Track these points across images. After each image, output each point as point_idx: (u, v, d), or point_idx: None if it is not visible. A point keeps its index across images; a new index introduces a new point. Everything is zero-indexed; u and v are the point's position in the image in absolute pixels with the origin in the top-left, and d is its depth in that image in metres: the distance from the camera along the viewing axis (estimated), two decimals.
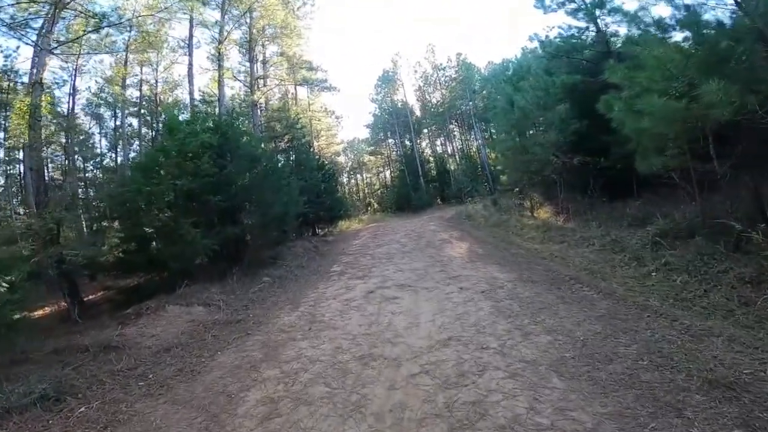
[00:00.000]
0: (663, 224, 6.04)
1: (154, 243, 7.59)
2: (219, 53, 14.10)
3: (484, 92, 32.59)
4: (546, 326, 3.91)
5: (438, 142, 40.39)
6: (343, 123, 51.98)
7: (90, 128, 23.33)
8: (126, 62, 18.91)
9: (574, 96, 10.06)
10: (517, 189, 14.52)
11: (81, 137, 22.74)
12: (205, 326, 5.62)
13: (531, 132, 11.08)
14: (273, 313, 5.94)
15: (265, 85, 17.26)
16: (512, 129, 11.61)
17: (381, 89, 36.04)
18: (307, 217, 13.85)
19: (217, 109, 13.12)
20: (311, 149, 17.79)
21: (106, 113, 22.91)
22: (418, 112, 36.63)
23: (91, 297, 9.26)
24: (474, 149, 37.31)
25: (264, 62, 18.44)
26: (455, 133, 38.46)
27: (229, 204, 7.93)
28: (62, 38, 13.71)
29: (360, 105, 71.02)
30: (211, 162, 8.20)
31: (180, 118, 9.18)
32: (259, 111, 17.56)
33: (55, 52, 11.32)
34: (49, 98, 12.16)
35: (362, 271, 8.14)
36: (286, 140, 16.04)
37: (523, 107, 10.83)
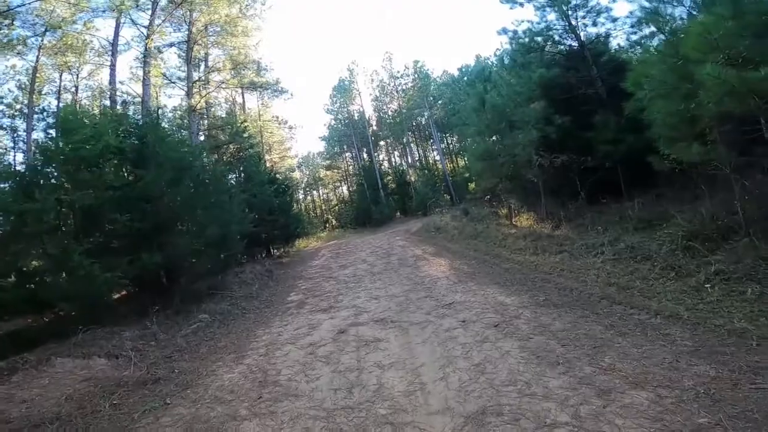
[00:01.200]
0: (689, 225, 5.10)
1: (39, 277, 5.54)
2: (146, 49, 12.08)
3: (440, 102, 32.41)
4: (626, 375, 2.62)
5: (395, 154, 39.74)
6: (297, 136, 50.04)
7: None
8: (36, 66, 16.16)
9: (552, 92, 9.34)
10: (489, 196, 13.67)
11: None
12: (105, 389, 3.80)
13: (507, 132, 10.17)
14: (207, 368, 4.22)
15: (205, 88, 15.25)
16: (485, 130, 10.67)
17: (337, 99, 34.80)
18: (258, 237, 12.01)
19: (140, 112, 11.01)
20: (262, 161, 15.94)
21: (23, 125, 19.70)
22: (374, 123, 35.73)
23: None
24: (433, 159, 37.00)
25: (206, 62, 16.47)
26: (413, 144, 37.94)
27: (150, 224, 6.07)
28: None
29: (315, 117, 69.08)
30: (124, 171, 6.36)
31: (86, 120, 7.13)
32: (199, 118, 15.51)
33: None
34: None
35: (327, 300, 6.56)
36: (231, 150, 14.12)
37: (498, 105, 9.95)
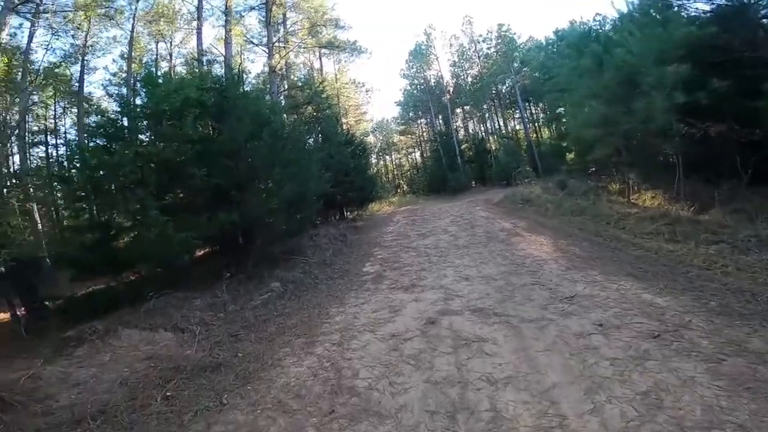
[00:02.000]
0: None
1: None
2: (227, 7, 11.87)
3: (526, 69, 29.16)
4: None
5: (473, 121, 37.19)
6: (373, 100, 49.08)
7: (110, 108, 21.99)
8: (132, 35, 16.99)
9: (700, 53, 7.41)
10: (594, 169, 11.70)
11: (100, 116, 21.45)
12: (162, 373, 3.41)
13: (630, 96, 8.27)
14: (273, 355, 3.68)
15: (285, 48, 14.88)
16: (603, 94, 8.81)
17: (413, 64, 32.96)
18: (333, 198, 11.61)
19: (222, 71, 10.87)
20: (339, 122, 15.42)
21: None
22: (451, 89, 33.46)
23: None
24: (513, 129, 34.00)
25: (284, 24, 16.06)
26: (493, 111, 35.05)
27: (229, 180, 5.72)
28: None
29: (391, 81, 67.20)
30: (206, 125, 6.03)
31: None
32: (279, 79, 15.30)
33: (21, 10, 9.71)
34: (5, 59, 10.23)
35: (407, 275, 5.79)
36: (310, 111, 13.71)
37: (622, 66, 8.07)
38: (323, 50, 21.61)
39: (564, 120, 20.31)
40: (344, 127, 18.99)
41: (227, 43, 11.82)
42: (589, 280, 4.36)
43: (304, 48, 16.58)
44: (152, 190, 4.80)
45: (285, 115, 11.02)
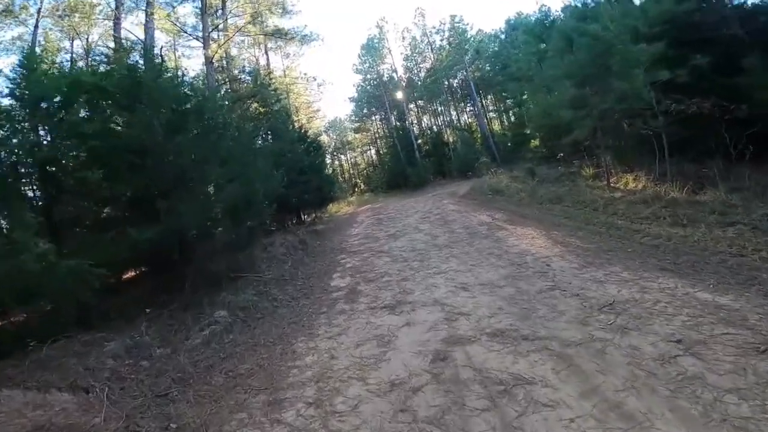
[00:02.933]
0: None
1: None
2: None
3: (478, 62, 29.29)
4: None
5: (427, 116, 36.87)
6: (325, 96, 47.32)
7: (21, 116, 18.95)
8: (36, 31, 14.43)
9: (673, 31, 7.13)
10: (561, 154, 11.32)
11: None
12: None
13: (602, 76, 7.82)
14: (222, 425, 2.48)
15: (225, 36, 13.23)
16: (576, 74, 8.33)
17: (366, 59, 31.91)
18: (288, 201, 10.31)
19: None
20: (290, 117, 14.03)
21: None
22: (405, 83, 32.86)
23: None
24: (465, 121, 34.06)
25: (223, 10, 14.38)
26: (447, 105, 34.91)
27: (142, 184, 4.33)
28: None
29: (343, 77, 65.63)
30: (111, 117, 4.61)
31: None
32: (217, 71, 13.62)
33: None
34: None
35: (387, 288, 4.74)
36: (256, 105, 12.22)
37: (594, 45, 7.62)
38: (270, 44, 19.96)
39: (517, 109, 20.32)
40: (296, 124, 17.63)
41: (147, 27, 10.07)
42: (618, 279, 3.56)
43: (246, 36, 14.94)
44: (26, 201, 3.36)
45: (225, 103, 9.55)
